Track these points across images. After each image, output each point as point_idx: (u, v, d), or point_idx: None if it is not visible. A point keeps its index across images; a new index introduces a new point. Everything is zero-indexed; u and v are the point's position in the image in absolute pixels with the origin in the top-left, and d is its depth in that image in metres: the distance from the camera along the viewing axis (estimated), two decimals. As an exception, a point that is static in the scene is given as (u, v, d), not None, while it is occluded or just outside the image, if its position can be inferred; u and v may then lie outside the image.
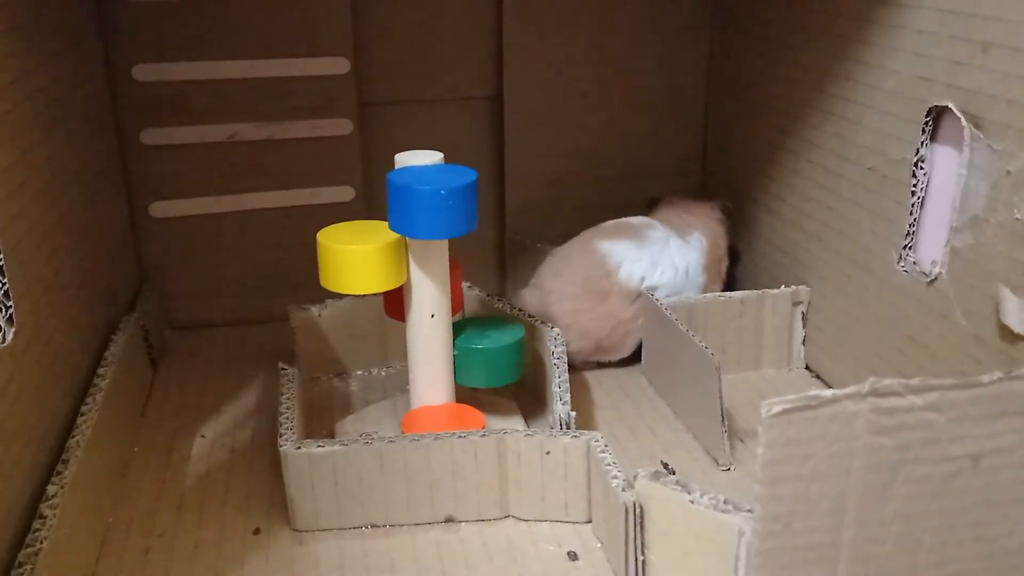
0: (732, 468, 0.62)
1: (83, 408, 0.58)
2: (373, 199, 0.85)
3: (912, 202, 0.61)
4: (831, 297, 0.71)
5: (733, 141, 0.86)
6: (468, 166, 0.59)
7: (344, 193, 0.84)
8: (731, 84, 0.85)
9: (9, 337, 0.49)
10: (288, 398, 0.60)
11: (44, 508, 0.48)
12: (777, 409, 0.40)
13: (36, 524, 0.47)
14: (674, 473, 0.60)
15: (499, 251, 0.91)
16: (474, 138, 0.87)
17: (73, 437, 0.55)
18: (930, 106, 0.58)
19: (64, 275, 0.60)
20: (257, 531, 0.56)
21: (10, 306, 0.49)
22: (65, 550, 0.49)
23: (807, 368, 0.75)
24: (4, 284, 0.49)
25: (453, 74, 0.85)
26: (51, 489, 0.50)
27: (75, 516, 0.51)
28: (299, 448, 0.54)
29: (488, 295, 0.72)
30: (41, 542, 0.46)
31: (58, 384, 0.57)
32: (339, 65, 0.80)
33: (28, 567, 0.44)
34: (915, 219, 0.61)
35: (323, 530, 0.56)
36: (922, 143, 0.60)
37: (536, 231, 0.88)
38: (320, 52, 0.79)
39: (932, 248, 0.60)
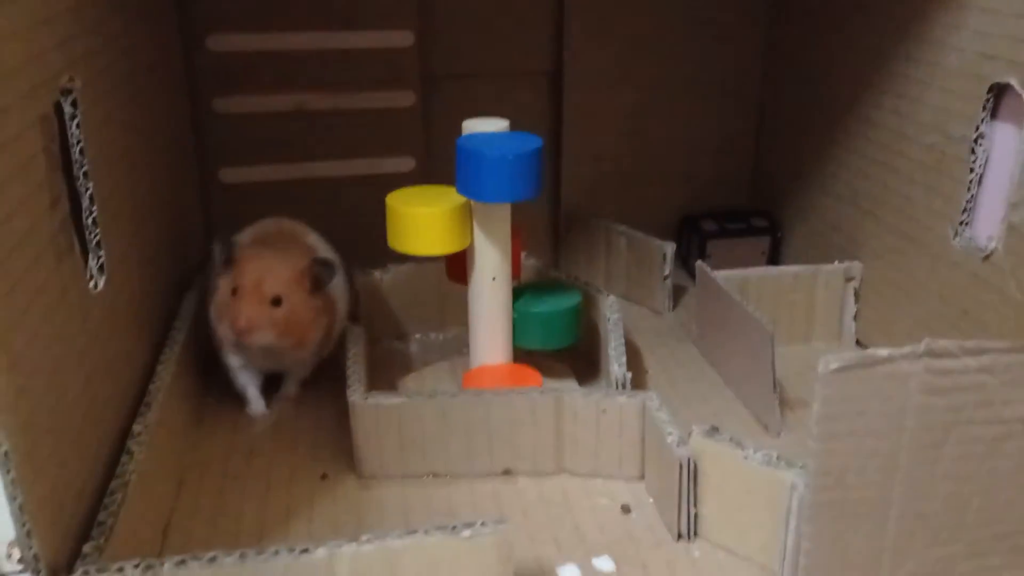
0: (781, 435, 0.63)
1: (162, 357, 0.61)
2: (434, 170, 0.87)
3: (970, 178, 0.62)
4: (884, 273, 0.72)
5: (787, 119, 0.87)
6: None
7: (405, 164, 0.86)
8: (787, 63, 0.86)
9: (101, 284, 0.52)
10: (355, 353, 0.63)
11: (131, 444, 0.51)
12: (834, 366, 0.41)
13: (124, 458, 0.50)
14: (724, 437, 0.61)
15: (554, 224, 0.93)
16: (532, 112, 0.89)
17: (153, 383, 0.58)
18: (992, 83, 0.59)
19: (143, 233, 0.63)
20: (324, 476, 0.59)
21: (101, 255, 0.53)
22: (150, 484, 0.52)
23: (858, 343, 0.76)
24: (97, 234, 0.52)
25: (514, 49, 0.86)
26: (136, 427, 0.53)
27: (157, 453, 0.54)
28: (367, 399, 0.57)
29: (544, 264, 0.74)
30: (130, 474, 0.49)
31: (141, 333, 0.60)
32: (404, 38, 0.82)
33: (119, 496, 0.47)
34: (972, 195, 0.62)
35: (387, 477, 0.58)
36: (982, 120, 0.60)
37: (591, 205, 0.89)
38: (386, 25, 0.82)
39: (989, 223, 0.61)
